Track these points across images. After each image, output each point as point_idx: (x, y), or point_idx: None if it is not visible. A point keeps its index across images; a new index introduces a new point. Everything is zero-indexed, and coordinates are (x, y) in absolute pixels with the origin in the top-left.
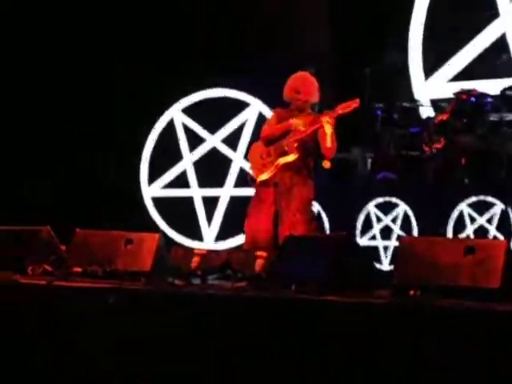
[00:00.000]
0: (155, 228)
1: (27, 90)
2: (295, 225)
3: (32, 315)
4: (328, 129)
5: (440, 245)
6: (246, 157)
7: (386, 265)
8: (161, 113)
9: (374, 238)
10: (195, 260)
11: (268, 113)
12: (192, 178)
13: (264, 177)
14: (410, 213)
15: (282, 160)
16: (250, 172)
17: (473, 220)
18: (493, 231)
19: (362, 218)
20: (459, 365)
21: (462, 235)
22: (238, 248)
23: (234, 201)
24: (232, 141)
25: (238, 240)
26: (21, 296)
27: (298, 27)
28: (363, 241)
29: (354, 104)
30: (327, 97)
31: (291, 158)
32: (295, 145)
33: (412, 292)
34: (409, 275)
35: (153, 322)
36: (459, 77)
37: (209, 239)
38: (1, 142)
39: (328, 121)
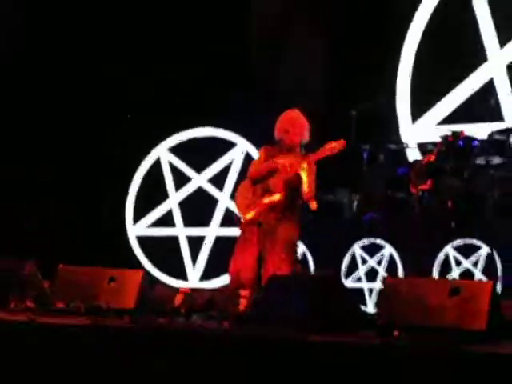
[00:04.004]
0: (139, 267)
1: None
2: (279, 265)
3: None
4: (304, 175)
5: (424, 286)
6: (232, 197)
7: (370, 307)
8: (147, 151)
9: (359, 279)
10: (178, 298)
11: (254, 152)
12: (177, 217)
13: (249, 216)
14: (396, 254)
15: (268, 200)
16: (236, 211)
17: (458, 263)
18: (478, 274)
19: (347, 259)
20: None
21: (448, 278)
22: (223, 287)
23: (219, 241)
24: (218, 180)
25: (223, 280)
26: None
27: (287, 65)
28: (348, 282)
29: (340, 146)
30: (314, 136)
31: (277, 197)
32: (281, 184)
33: (396, 333)
34: (393, 316)
35: (137, 360)
36: (447, 120)
37: (193, 278)
38: None
39: (303, 167)
